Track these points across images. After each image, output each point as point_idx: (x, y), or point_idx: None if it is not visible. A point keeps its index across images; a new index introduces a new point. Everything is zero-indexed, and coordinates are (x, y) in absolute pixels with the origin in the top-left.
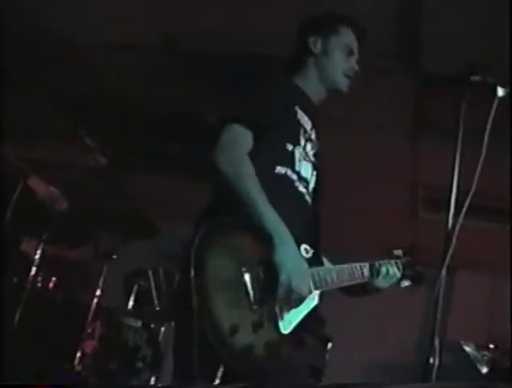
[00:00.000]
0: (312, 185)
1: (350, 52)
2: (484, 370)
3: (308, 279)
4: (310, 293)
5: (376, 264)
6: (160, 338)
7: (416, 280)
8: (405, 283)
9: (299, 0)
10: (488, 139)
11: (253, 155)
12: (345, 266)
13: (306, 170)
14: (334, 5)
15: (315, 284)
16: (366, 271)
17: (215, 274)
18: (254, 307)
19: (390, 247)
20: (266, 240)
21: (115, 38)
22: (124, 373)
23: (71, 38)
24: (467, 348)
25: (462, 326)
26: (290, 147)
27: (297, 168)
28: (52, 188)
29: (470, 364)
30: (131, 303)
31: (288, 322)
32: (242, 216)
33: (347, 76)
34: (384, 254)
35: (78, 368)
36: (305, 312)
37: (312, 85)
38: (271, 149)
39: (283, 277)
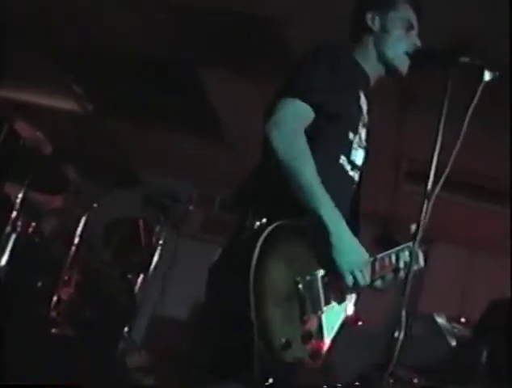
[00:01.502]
0: (359, 171)
1: (410, 27)
2: (453, 343)
3: (368, 267)
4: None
5: (398, 251)
6: (136, 288)
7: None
8: (422, 262)
9: None
10: (469, 121)
11: (315, 140)
12: (377, 256)
13: (359, 157)
14: None
15: (357, 288)
16: (393, 258)
17: (273, 286)
18: (305, 318)
19: (371, 216)
20: (323, 238)
21: None
22: (99, 321)
23: None
24: (439, 320)
25: (436, 299)
26: (351, 136)
27: (352, 157)
28: (37, 132)
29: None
30: (109, 252)
31: (331, 328)
32: (297, 213)
33: (408, 54)
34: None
35: (53, 314)
36: (344, 314)
37: (371, 63)
38: (335, 137)
39: (347, 277)
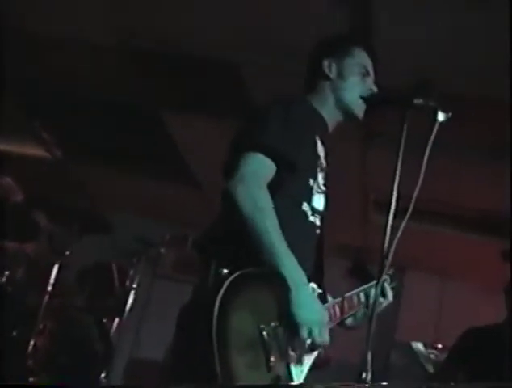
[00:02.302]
0: (320, 216)
1: (366, 73)
2: (431, 370)
3: (328, 326)
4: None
5: (369, 288)
6: (111, 333)
7: (398, 291)
8: (391, 296)
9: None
10: (428, 159)
11: (276, 190)
12: (345, 296)
13: (319, 202)
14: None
15: (322, 343)
16: (362, 296)
17: (236, 335)
18: (271, 364)
19: (342, 248)
20: (284, 290)
21: (68, 31)
22: (76, 368)
23: (25, 28)
24: (416, 347)
25: (412, 326)
26: (311, 182)
27: (313, 203)
28: (7, 179)
29: (419, 363)
30: (83, 298)
31: (300, 371)
32: (259, 263)
33: (363, 98)
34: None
35: (29, 362)
36: (313, 356)
37: (329, 109)
38: (296, 186)
39: (303, 332)
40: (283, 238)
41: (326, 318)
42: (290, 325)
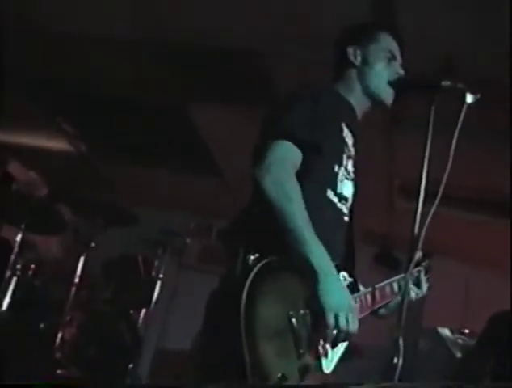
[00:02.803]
0: (350, 203)
1: (392, 58)
2: (458, 355)
3: (355, 315)
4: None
5: (406, 277)
6: (138, 324)
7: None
8: (426, 288)
9: None
10: (456, 143)
11: (302, 177)
12: (377, 286)
13: (347, 189)
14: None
15: (349, 330)
16: (395, 286)
17: (264, 323)
18: (301, 351)
19: (368, 235)
20: (312, 277)
21: (91, 27)
22: (104, 360)
23: (49, 25)
24: (443, 333)
25: (438, 313)
26: (336, 168)
27: (339, 189)
28: (32, 174)
29: (446, 348)
30: (109, 290)
31: (330, 360)
32: (286, 250)
33: (391, 83)
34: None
35: (58, 355)
36: (345, 345)
37: (356, 97)
38: (320, 171)
39: (329, 318)
40: (311, 226)
41: (354, 306)
42: (317, 312)
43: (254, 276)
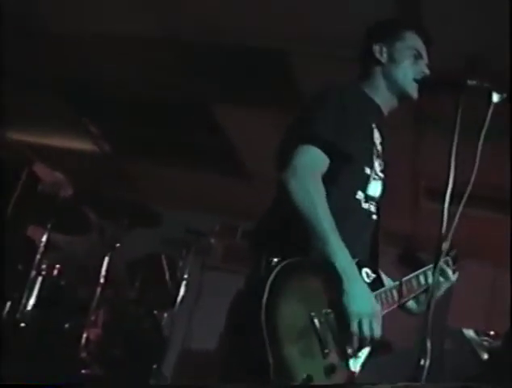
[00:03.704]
0: (377, 201)
1: (418, 56)
2: (484, 356)
3: (379, 320)
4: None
5: (429, 270)
6: (163, 324)
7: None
8: (453, 277)
9: None
10: (484, 141)
11: (332, 180)
12: (403, 279)
13: (375, 188)
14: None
15: (372, 335)
16: (422, 279)
17: (286, 324)
18: (326, 351)
19: (392, 236)
20: (335, 280)
21: (116, 27)
22: (128, 360)
23: (73, 27)
24: (468, 334)
25: (463, 313)
26: (367, 170)
27: (368, 190)
28: (57, 174)
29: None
30: (134, 290)
31: (357, 358)
32: (309, 252)
33: (416, 80)
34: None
35: (83, 355)
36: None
37: (382, 95)
38: (351, 174)
39: (353, 324)
40: (336, 229)
41: (378, 310)
42: (341, 315)
43: (275, 278)
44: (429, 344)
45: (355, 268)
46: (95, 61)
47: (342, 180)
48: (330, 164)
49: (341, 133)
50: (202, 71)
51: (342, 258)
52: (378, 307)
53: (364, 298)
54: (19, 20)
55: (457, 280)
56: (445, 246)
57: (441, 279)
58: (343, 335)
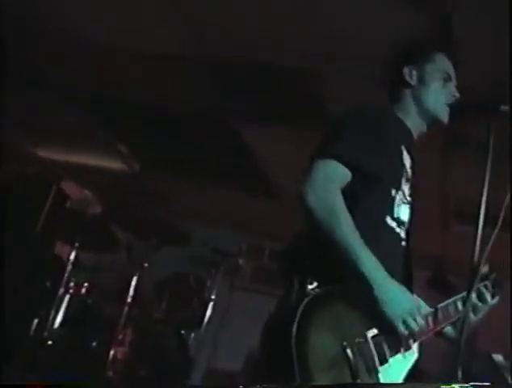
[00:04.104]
0: (406, 227)
1: (448, 78)
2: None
3: (421, 310)
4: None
5: (470, 295)
6: (190, 344)
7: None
8: (493, 302)
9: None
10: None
11: (359, 201)
12: (439, 306)
13: (404, 213)
14: None
15: (413, 336)
16: (459, 305)
17: (317, 353)
18: (358, 381)
19: (421, 259)
20: (368, 292)
21: (146, 43)
22: (155, 379)
23: (101, 46)
24: (497, 359)
25: (492, 338)
26: (393, 193)
27: (396, 214)
28: (86, 192)
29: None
30: (162, 309)
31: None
32: (342, 276)
33: (448, 105)
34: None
35: (109, 373)
36: (407, 369)
37: (412, 118)
38: (378, 196)
39: (400, 327)
40: (360, 237)
41: (418, 302)
42: (385, 325)
43: (307, 306)
44: (460, 373)
45: (383, 272)
46: (124, 79)
47: (368, 202)
48: (356, 182)
49: (366, 152)
50: (229, 90)
51: (370, 265)
52: (415, 301)
53: (400, 297)
54: (53, 36)
55: (496, 304)
56: (484, 269)
57: (479, 303)
58: (390, 348)
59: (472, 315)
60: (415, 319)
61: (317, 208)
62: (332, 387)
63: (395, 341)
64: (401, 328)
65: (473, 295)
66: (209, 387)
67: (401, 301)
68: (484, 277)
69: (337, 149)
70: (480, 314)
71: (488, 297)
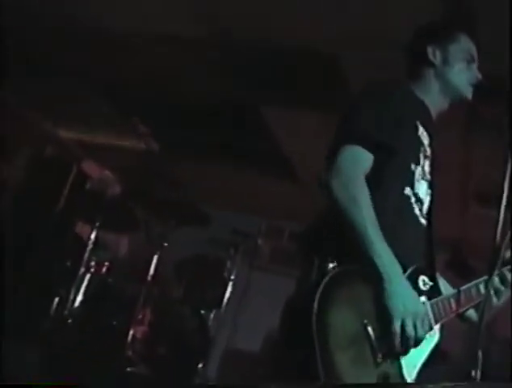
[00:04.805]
0: (426, 205)
1: (471, 60)
2: None
3: (425, 320)
4: (430, 329)
5: (492, 278)
6: (209, 324)
7: None
8: None
9: None
10: None
11: (378, 176)
12: (462, 288)
13: (423, 190)
14: None
15: (434, 317)
16: (482, 288)
17: (337, 331)
18: (379, 360)
19: (441, 242)
20: (377, 281)
21: (168, 27)
22: (174, 359)
23: (124, 29)
24: None
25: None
26: (413, 167)
27: (416, 189)
28: (106, 172)
29: None
30: (181, 289)
31: (412, 366)
32: (360, 257)
33: (472, 85)
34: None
35: (129, 353)
36: (428, 351)
37: (433, 96)
38: (397, 170)
39: (395, 324)
40: (379, 229)
41: (424, 311)
42: (382, 318)
43: (325, 285)
44: (480, 355)
45: (398, 267)
46: (146, 61)
47: (387, 175)
48: (375, 161)
49: (385, 130)
50: (253, 72)
51: (384, 257)
52: (423, 307)
53: (407, 297)
54: (71, 20)
55: None
56: (507, 254)
57: (501, 287)
58: (386, 337)
59: (494, 299)
60: (415, 324)
61: (341, 197)
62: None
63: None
64: (396, 327)
65: (496, 279)
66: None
67: (407, 302)
68: (508, 262)
69: (358, 131)
70: (503, 298)
71: (509, 279)
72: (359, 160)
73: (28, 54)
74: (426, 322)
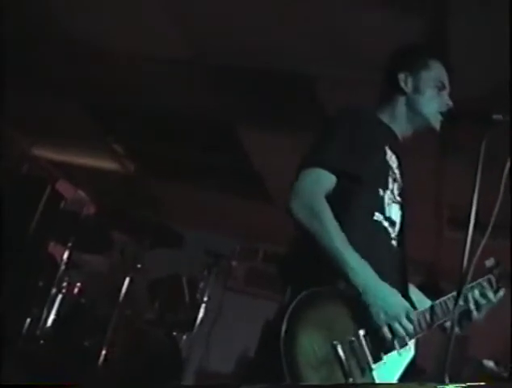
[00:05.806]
0: (398, 227)
1: (442, 87)
2: None
3: (410, 314)
4: (409, 337)
5: (467, 290)
6: (181, 345)
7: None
8: (500, 294)
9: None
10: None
11: (347, 203)
12: (437, 302)
13: (395, 212)
14: None
15: (408, 333)
16: (460, 300)
17: (307, 352)
18: (350, 380)
19: (413, 264)
20: (357, 296)
21: (144, 46)
22: (145, 380)
23: (100, 46)
24: (487, 365)
25: (482, 343)
26: (381, 192)
27: (387, 213)
28: (80, 192)
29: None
30: (154, 311)
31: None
32: (329, 278)
33: (442, 113)
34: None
35: (100, 373)
36: (402, 367)
37: (400, 123)
38: (365, 196)
39: (384, 330)
40: (348, 243)
41: (406, 307)
42: (372, 329)
43: (294, 308)
44: (447, 376)
45: (372, 275)
46: (122, 80)
47: (356, 202)
48: (342, 184)
49: (349, 155)
50: (228, 93)
51: (358, 269)
52: (403, 304)
53: (386, 303)
54: (53, 37)
55: (500, 300)
56: (488, 263)
57: (482, 300)
58: (379, 351)
59: (474, 313)
60: (401, 323)
61: (302, 217)
62: (324, 387)
63: (386, 341)
64: (387, 334)
65: (476, 291)
66: (201, 386)
67: (388, 306)
68: (488, 271)
69: (320, 156)
70: (484, 312)
71: (490, 293)
72: (319, 180)
73: (8, 72)
74: (412, 315)
